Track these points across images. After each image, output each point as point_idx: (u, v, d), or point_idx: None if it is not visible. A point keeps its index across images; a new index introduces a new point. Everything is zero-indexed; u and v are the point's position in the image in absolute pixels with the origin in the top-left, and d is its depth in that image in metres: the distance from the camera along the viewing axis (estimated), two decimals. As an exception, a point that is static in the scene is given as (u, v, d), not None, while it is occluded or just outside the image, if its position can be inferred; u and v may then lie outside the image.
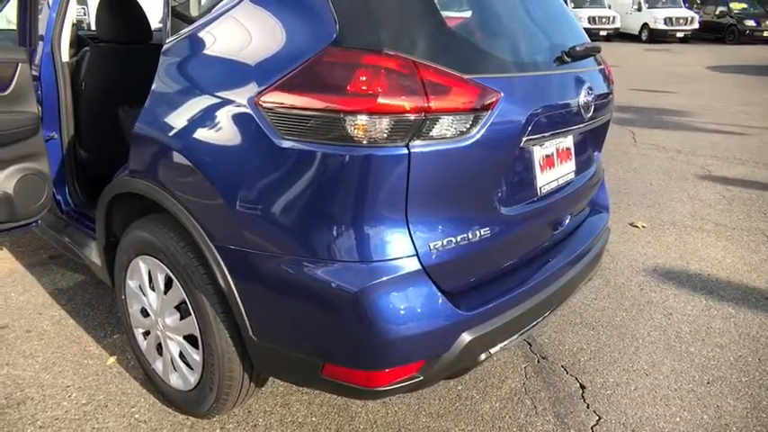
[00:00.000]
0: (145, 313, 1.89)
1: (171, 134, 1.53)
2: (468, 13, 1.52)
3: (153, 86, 1.65)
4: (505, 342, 1.53)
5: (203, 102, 1.47)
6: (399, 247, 1.31)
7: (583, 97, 1.64)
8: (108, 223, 1.95)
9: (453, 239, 1.38)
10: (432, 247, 1.35)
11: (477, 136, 1.32)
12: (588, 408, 1.97)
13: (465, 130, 1.31)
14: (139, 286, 1.86)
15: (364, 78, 1.23)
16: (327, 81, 1.27)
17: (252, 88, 1.36)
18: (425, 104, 1.24)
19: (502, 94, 1.36)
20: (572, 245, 1.86)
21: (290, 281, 1.36)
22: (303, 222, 1.33)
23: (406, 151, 1.26)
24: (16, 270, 2.86)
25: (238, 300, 1.46)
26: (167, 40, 1.67)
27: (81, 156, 2.47)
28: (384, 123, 1.23)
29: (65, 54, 2.27)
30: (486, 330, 1.43)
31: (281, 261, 1.37)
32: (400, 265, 1.31)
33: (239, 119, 1.38)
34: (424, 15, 1.36)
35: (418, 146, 1.27)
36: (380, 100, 1.22)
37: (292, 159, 1.31)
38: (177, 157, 1.52)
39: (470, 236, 1.40)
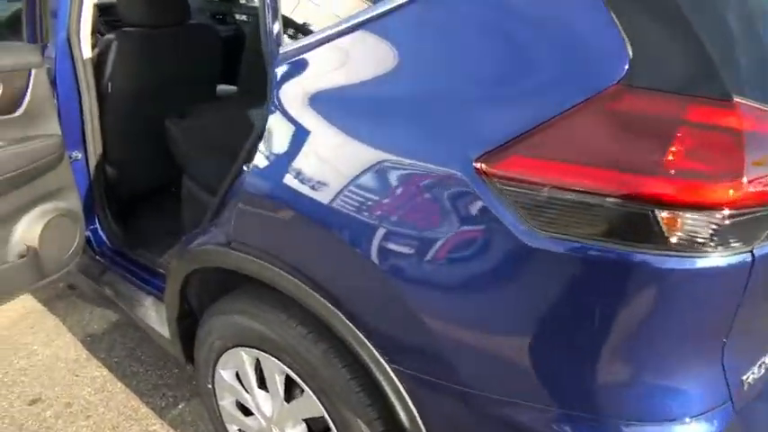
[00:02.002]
0: (245, 410, 1.43)
1: (318, 202, 1.01)
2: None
3: (269, 122, 1.11)
4: None
5: (376, 158, 0.95)
6: (713, 392, 0.87)
7: None
8: (181, 291, 1.44)
9: (764, 362, 0.94)
10: (744, 384, 0.91)
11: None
12: None
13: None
14: (236, 376, 1.39)
15: (696, 145, 0.75)
16: (617, 144, 0.78)
17: (469, 145, 0.85)
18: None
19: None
20: None
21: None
22: (562, 358, 0.87)
23: (750, 258, 0.79)
24: (32, 310, 2.31)
25: (427, 442, 1.02)
26: (285, 45, 1.11)
27: (110, 176, 1.91)
28: (728, 219, 0.75)
29: (86, 47, 1.65)
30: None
31: (514, 409, 0.91)
32: (712, 421, 0.87)
33: (447, 192, 0.87)
34: (750, 38, 0.85)
35: (761, 247, 0.80)
36: (732, 183, 0.74)
37: (549, 266, 0.82)
38: (335, 240, 1.00)
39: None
